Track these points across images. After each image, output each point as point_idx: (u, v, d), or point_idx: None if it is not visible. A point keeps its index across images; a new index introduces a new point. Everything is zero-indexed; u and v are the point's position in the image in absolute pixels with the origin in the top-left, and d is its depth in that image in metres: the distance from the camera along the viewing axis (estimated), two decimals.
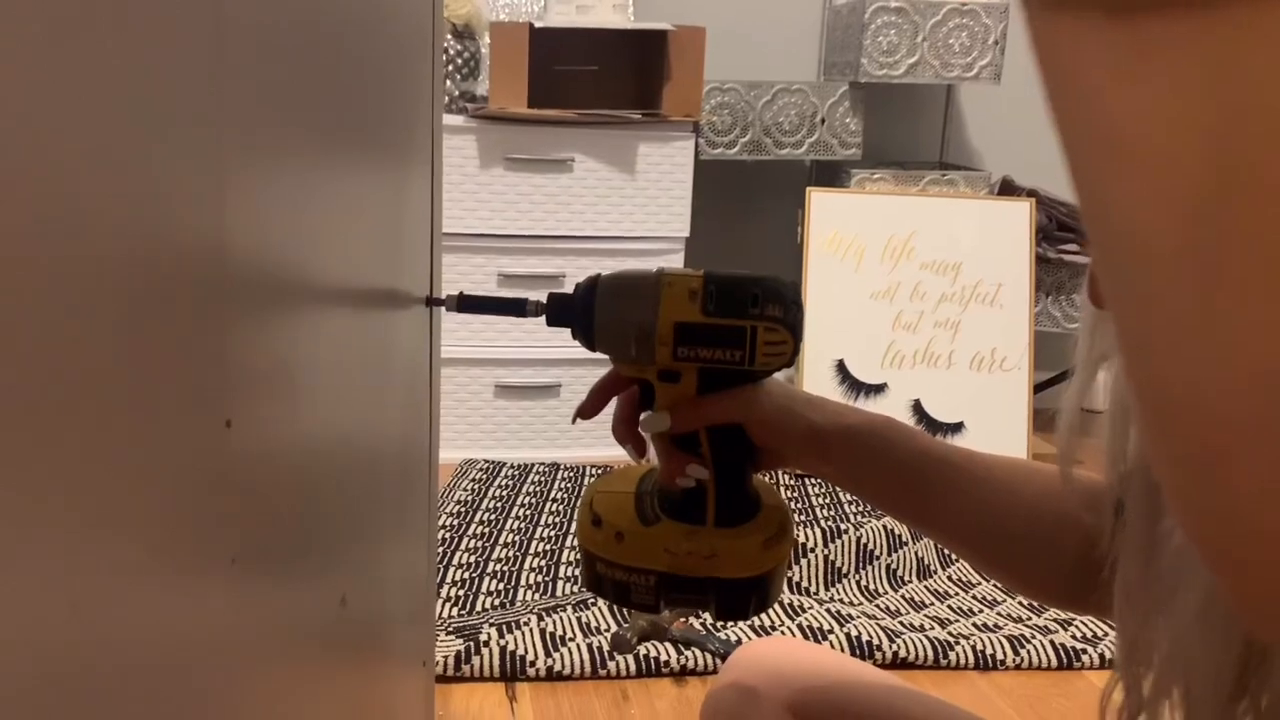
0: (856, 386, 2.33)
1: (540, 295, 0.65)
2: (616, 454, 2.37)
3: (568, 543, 1.88)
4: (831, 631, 1.54)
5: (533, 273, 2.26)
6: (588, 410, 0.68)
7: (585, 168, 2.24)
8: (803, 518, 2.06)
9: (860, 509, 2.10)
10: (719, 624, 1.52)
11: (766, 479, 0.70)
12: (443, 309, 0.64)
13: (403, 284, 0.71)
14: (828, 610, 1.60)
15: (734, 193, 2.64)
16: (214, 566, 0.43)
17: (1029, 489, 0.66)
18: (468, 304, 0.65)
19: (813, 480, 2.26)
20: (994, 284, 2.35)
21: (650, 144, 2.26)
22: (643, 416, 0.65)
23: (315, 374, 0.54)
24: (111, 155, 0.33)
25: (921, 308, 2.35)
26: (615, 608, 1.59)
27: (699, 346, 0.61)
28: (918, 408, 2.32)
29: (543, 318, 0.64)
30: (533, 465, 2.26)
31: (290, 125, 0.48)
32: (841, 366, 2.33)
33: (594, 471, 2.24)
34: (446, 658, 1.41)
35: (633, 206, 2.28)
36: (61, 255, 0.30)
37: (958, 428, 2.32)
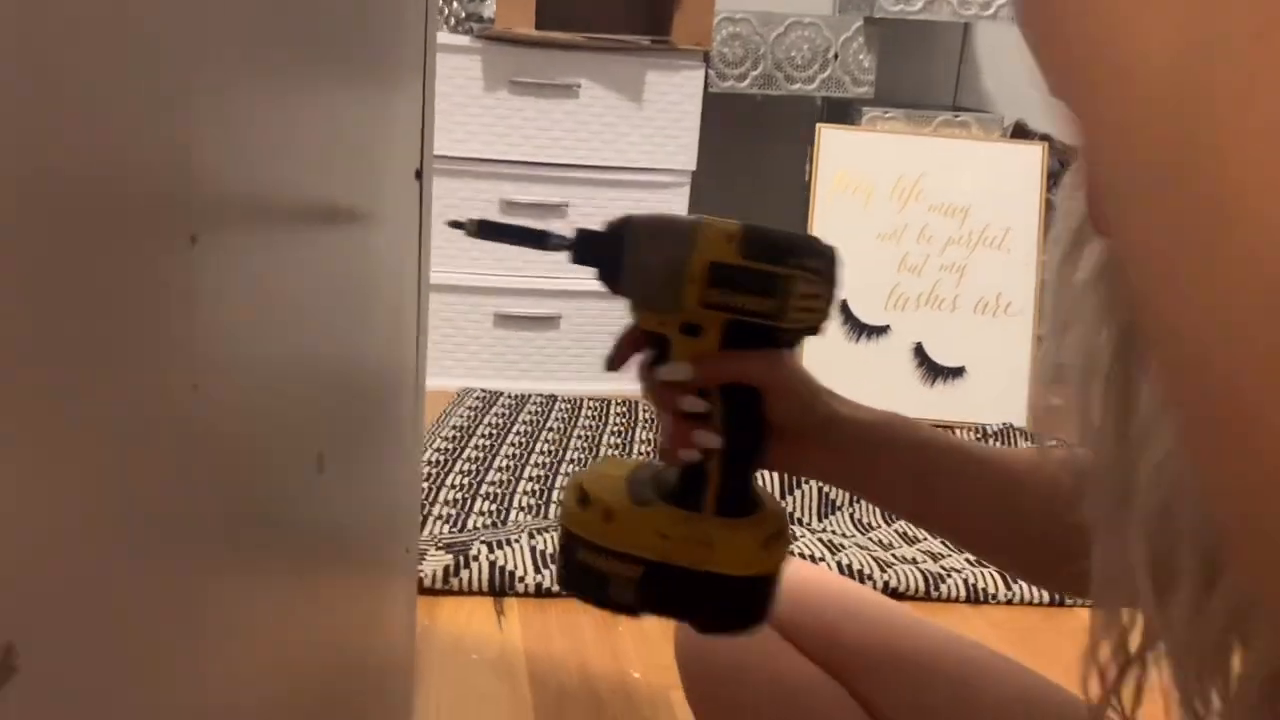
0: (859, 327, 2.31)
1: (565, 229, 0.60)
2: (615, 388, 2.36)
3: (562, 469, 1.88)
4: (823, 559, 1.53)
5: (536, 201, 2.23)
6: (616, 361, 0.63)
7: (591, 94, 2.20)
8: None
9: None
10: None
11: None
12: (463, 231, 0.59)
13: (384, 205, 0.68)
14: (819, 539, 1.59)
15: (742, 127, 2.59)
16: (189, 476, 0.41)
17: (1037, 475, 0.64)
18: (487, 230, 0.60)
19: None
20: (1002, 228, 2.32)
21: (659, 72, 2.21)
22: (661, 368, 0.60)
23: (285, 292, 0.52)
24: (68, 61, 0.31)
25: (928, 250, 2.32)
26: None
27: (731, 292, 0.57)
28: (919, 350, 2.30)
29: (565, 254, 0.59)
30: (530, 396, 2.25)
31: (256, 36, 0.46)
32: (845, 307, 2.31)
33: (591, 404, 2.23)
34: (435, 571, 1.41)
35: (639, 137, 2.24)
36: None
37: (959, 372, 2.30)
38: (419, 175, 0.73)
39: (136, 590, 0.39)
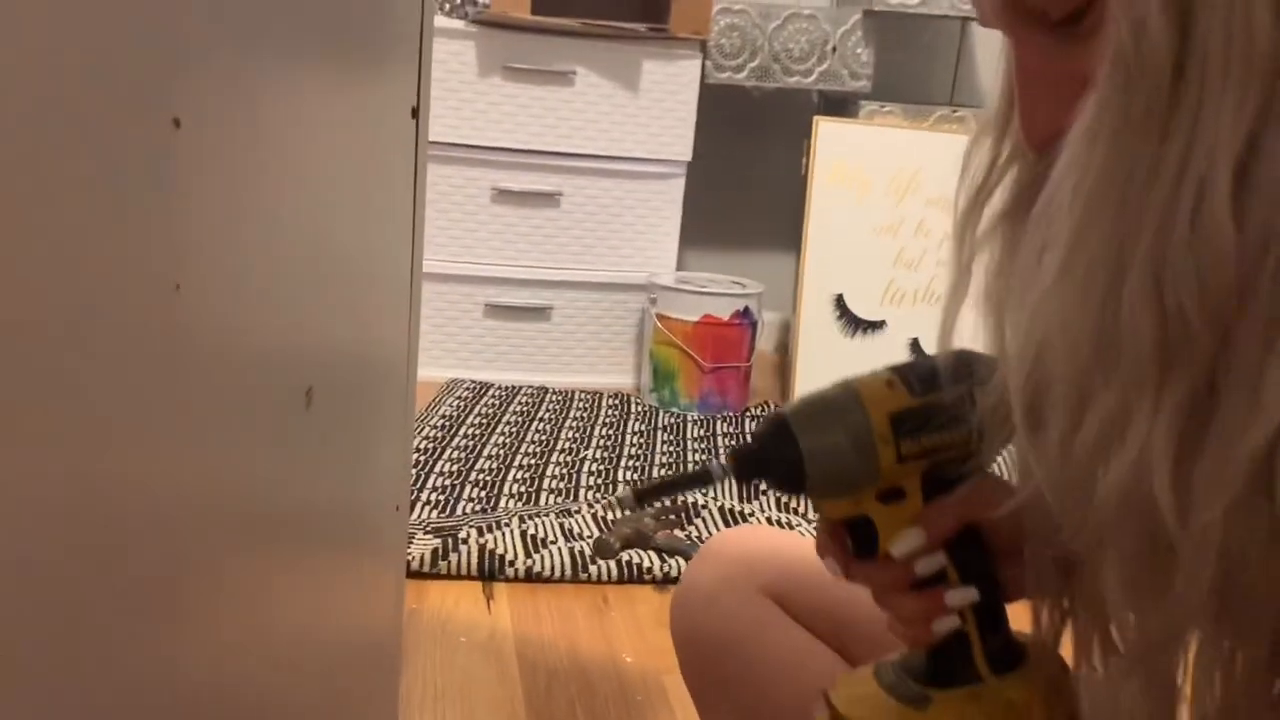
0: (854, 322, 2.28)
1: (712, 455, 0.53)
2: (607, 381, 2.33)
3: (553, 458, 1.84)
4: None
5: (529, 189, 2.20)
6: (843, 570, 0.55)
7: (587, 82, 2.17)
8: None
9: None
10: None
11: None
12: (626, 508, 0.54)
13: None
14: (814, 528, 1.56)
15: (739, 119, 2.57)
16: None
17: None
18: (647, 495, 0.54)
19: None
20: None
21: (655, 61, 2.19)
22: (891, 545, 0.53)
23: (275, 192, 0.48)
24: None
25: (925, 245, 2.29)
26: (598, 515, 1.55)
27: (924, 434, 0.52)
28: (915, 346, 2.28)
29: (731, 477, 0.53)
30: (520, 387, 2.21)
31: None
32: (840, 301, 2.28)
33: (583, 397, 2.20)
34: (423, 554, 1.37)
35: (634, 126, 2.22)
36: None
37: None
38: (415, 113, 0.70)
39: (105, 495, 0.35)
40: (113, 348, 0.36)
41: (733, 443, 0.49)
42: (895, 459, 0.52)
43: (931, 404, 0.52)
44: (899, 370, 0.54)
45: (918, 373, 0.53)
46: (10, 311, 0.29)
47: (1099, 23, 0.40)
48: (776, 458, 0.52)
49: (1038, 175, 0.47)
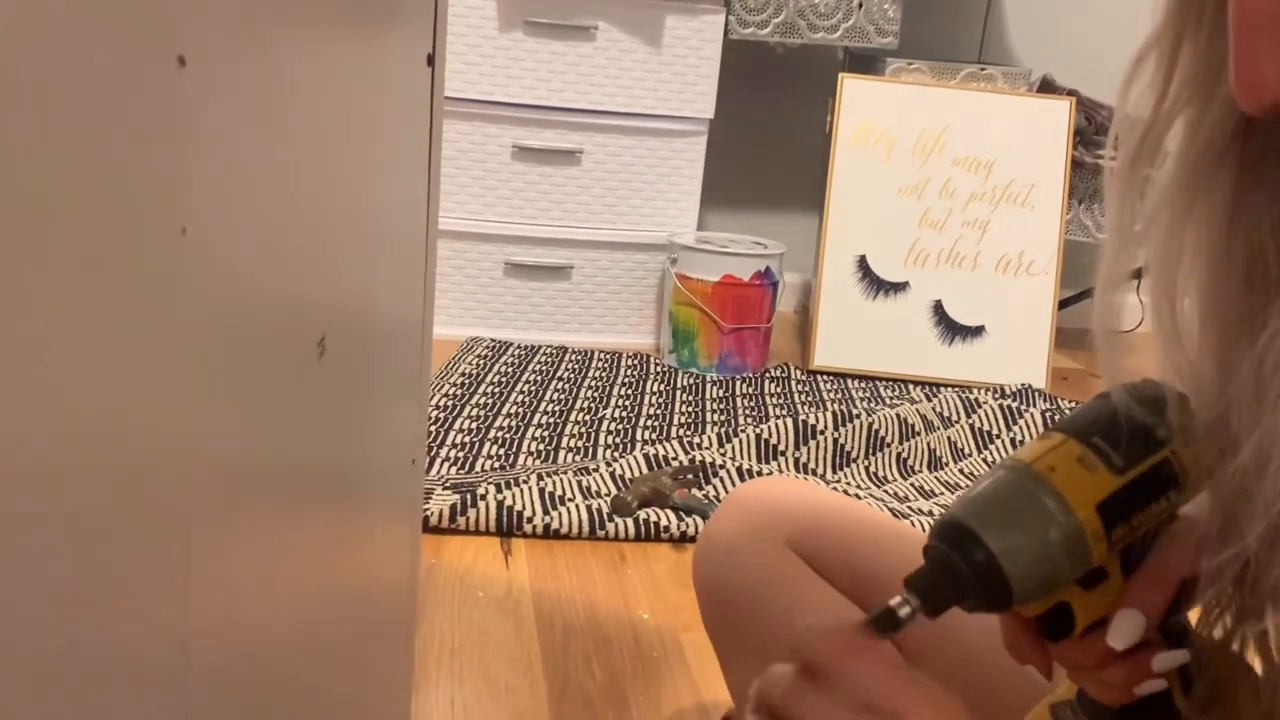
0: (877, 284, 2.26)
1: (889, 596, 0.45)
2: (626, 341, 2.32)
3: (572, 416, 1.84)
4: None
5: (549, 146, 2.18)
6: (1030, 658, 0.49)
7: (609, 37, 2.14)
8: (811, 402, 2.01)
9: (870, 398, 2.05)
10: None
11: None
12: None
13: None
14: (833, 489, 1.56)
15: (763, 76, 2.54)
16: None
17: None
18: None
19: (825, 376, 2.20)
20: (1026, 185, 2.26)
21: (678, 16, 2.16)
22: (1111, 638, 0.46)
23: (285, 130, 0.47)
24: None
25: (950, 205, 2.26)
26: (616, 474, 1.55)
27: (1134, 516, 0.46)
28: (938, 308, 2.26)
29: (921, 613, 0.45)
30: (539, 347, 2.21)
31: None
32: (863, 263, 2.26)
33: (602, 356, 2.19)
34: (441, 509, 1.38)
35: (656, 82, 2.19)
36: None
37: (978, 331, 2.26)
38: (430, 60, 0.68)
39: (111, 435, 0.35)
40: (117, 291, 0.35)
41: (909, 575, 0.44)
42: (1107, 550, 0.45)
43: (1140, 478, 0.45)
44: (1085, 437, 0.46)
45: (1107, 434, 0.45)
46: (7, 253, 0.29)
47: None
48: (972, 580, 0.45)
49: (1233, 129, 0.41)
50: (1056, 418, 1.80)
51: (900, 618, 0.44)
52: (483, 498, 1.40)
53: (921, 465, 1.72)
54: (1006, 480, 0.46)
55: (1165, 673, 0.47)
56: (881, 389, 2.15)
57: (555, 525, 1.39)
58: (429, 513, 1.36)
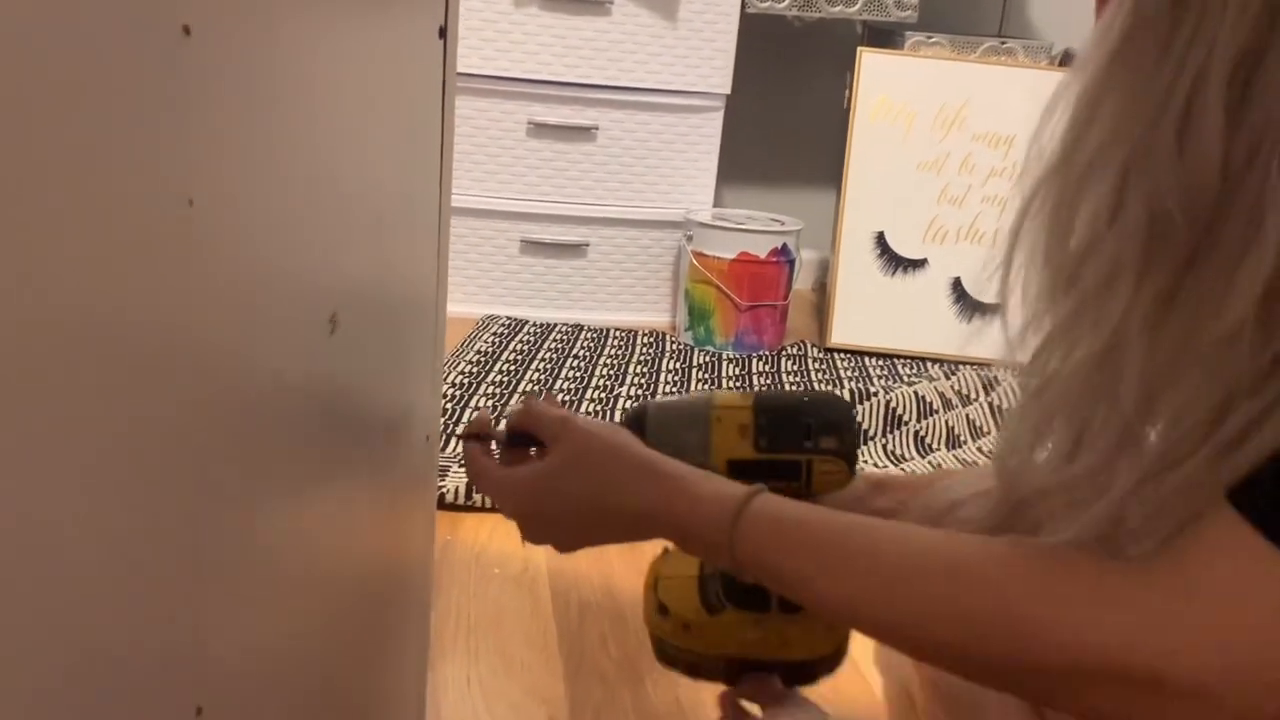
0: (895, 261, 2.24)
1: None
2: (642, 319, 2.31)
3: (587, 395, 1.84)
4: (885, 468, 1.49)
5: (565, 123, 2.17)
6: None
7: (624, 11, 2.12)
8: (828, 380, 2.00)
9: (888, 376, 2.03)
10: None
11: None
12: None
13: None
14: (883, 448, 1.55)
15: (780, 51, 2.51)
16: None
17: None
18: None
19: (842, 354, 2.19)
20: None
21: None
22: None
23: (291, 100, 0.47)
24: None
25: (969, 181, 2.24)
26: None
27: (755, 480, 0.58)
28: (957, 286, 2.23)
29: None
30: (555, 325, 2.20)
31: None
32: (881, 239, 2.24)
33: (618, 335, 2.19)
34: (457, 486, 1.38)
35: (672, 57, 2.17)
36: None
37: (998, 308, 2.23)
38: (443, 33, 0.67)
39: (122, 427, 0.34)
40: (124, 261, 0.34)
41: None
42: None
43: (773, 461, 0.63)
44: (762, 413, 0.63)
45: (773, 419, 0.63)
46: (12, 223, 0.28)
47: None
48: (627, 421, 0.66)
49: None
50: None
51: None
52: None
53: (940, 443, 1.71)
54: (693, 402, 0.64)
55: None
56: (899, 367, 2.13)
57: None
58: (444, 490, 1.36)
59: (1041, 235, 0.46)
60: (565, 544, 0.65)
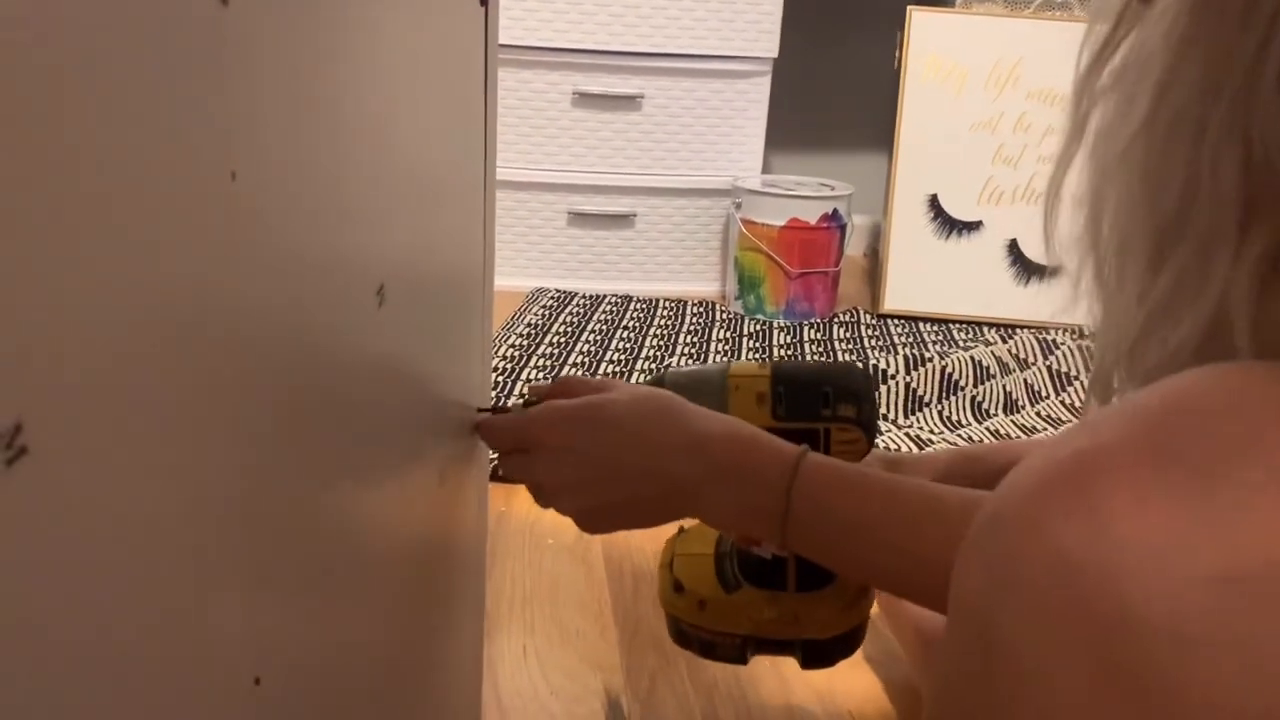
0: (949, 224, 2.20)
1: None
2: (692, 288, 2.29)
3: (638, 365, 1.83)
4: None
5: (609, 92, 2.15)
6: None
7: None
8: (881, 346, 1.97)
9: (943, 341, 2.00)
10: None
11: None
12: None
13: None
14: (906, 434, 1.53)
15: (828, 12, 2.46)
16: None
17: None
18: None
19: (896, 320, 2.16)
20: None
21: None
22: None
23: (333, 71, 0.46)
24: None
25: (1025, 140, 2.18)
26: None
27: None
28: (1013, 248, 2.19)
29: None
30: (604, 296, 2.20)
31: None
32: (934, 202, 2.19)
33: (667, 305, 2.18)
34: None
35: (718, 22, 2.13)
36: None
37: (1055, 271, 2.18)
38: (482, 1, 0.66)
39: (165, 402, 0.34)
40: (165, 237, 0.34)
41: None
42: None
43: (789, 430, 0.63)
44: (779, 382, 0.65)
45: (793, 392, 0.66)
46: (47, 203, 0.28)
47: None
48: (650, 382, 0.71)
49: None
50: None
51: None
52: None
53: (997, 409, 1.68)
54: (710, 371, 0.65)
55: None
56: (955, 331, 2.10)
57: None
58: (497, 462, 1.36)
59: (1125, 205, 0.43)
60: (595, 494, 0.63)
